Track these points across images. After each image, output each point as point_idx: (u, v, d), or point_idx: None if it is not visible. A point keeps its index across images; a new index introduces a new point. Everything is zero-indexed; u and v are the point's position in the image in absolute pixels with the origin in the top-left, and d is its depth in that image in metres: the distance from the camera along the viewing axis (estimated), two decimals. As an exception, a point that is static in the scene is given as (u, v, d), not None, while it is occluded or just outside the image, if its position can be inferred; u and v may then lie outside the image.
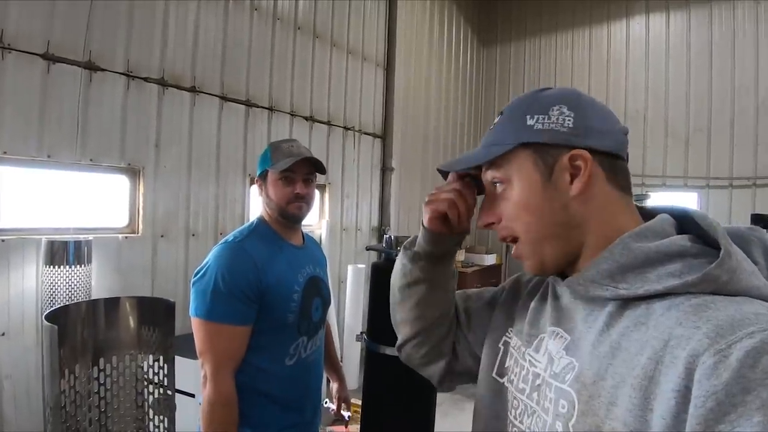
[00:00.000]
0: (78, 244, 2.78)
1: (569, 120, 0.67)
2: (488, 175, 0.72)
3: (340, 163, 5.06)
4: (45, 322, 0.89)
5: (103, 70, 3.09)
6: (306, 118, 4.62)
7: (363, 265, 4.63)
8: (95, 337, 0.93)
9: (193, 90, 3.62)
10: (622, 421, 0.54)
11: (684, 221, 0.67)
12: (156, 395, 1.13)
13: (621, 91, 6.26)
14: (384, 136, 5.67)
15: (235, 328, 1.35)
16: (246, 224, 1.57)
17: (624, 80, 6.30)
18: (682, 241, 0.62)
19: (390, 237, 1.46)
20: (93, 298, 2.87)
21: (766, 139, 5.37)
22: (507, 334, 0.81)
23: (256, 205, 4.06)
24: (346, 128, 5.12)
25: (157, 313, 1.10)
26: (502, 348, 0.81)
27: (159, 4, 3.40)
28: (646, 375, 0.53)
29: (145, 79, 3.32)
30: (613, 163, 0.68)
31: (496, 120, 0.74)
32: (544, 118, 0.68)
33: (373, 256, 5.42)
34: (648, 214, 0.69)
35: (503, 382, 0.77)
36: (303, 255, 1.61)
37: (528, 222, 0.69)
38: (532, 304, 0.79)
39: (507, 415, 0.74)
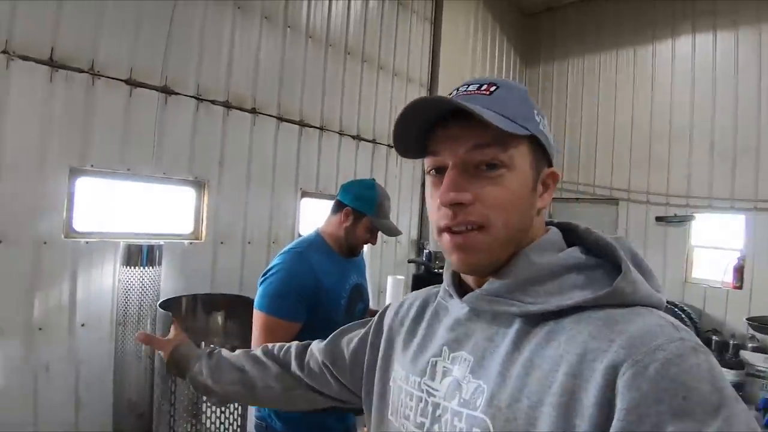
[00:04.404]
0: (151, 248, 3.14)
1: (550, 135, 0.68)
2: (487, 152, 0.61)
3: (383, 179, 5.30)
4: (160, 310, 1.16)
5: (176, 93, 3.47)
6: (353, 137, 4.92)
7: (402, 277, 4.83)
8: (194, 324, 1.17)
9: (253, 111, 3.98)
10: None
11: (567, 232, 0.69)
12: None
13: (666, 109, 6.19)
14: (426, 152, 5.87)
15: (288, 323, 1.58)
16: (305, 237, 1.83)
17: (669, 99, 6.22)
18: (576, 253, 0.63)
19: (429, 252, 1.68)
20: (160, 297, 3.21)
21: (817, 161, 5.25)
22: (392, 371, 0.76)
23: (305, 218, 4.37)
24: (390, 146, 5.37)
25: (239, 308, 1.35)
26: (391, 386, 0.75)
27: (226, 33, 3.78)
28: (565, 391, 0.52)
29: (213, 102, 3.70)
30: None
31: (491, 88, 0.64)
32: (543, 123, 0.66)
33: (412, 268, 5.62)
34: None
35: (400, 424, 0.70)
36: (349, 266, 1.86)
37: (509, 218, 0.62)
38: (419, 331, 0.75)
39: None
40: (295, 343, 1.01)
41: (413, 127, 0.64)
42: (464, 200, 0.61)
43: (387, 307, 0.88)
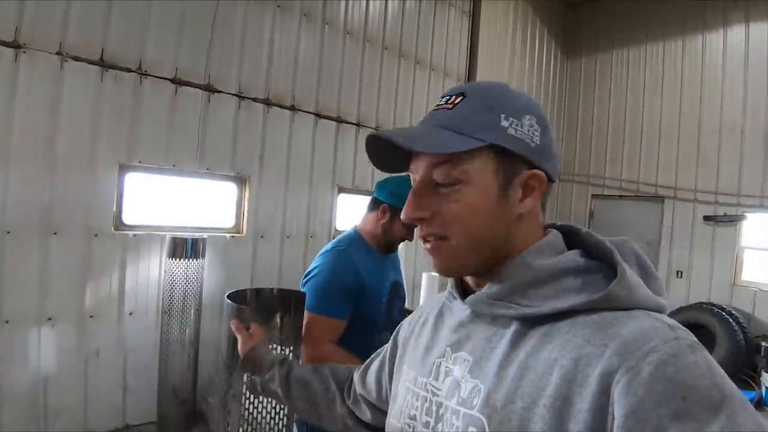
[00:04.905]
0: (195, 241, 3.24)
1: (537, 136, 0.64)
2: (441, 171, 0.63)
3: (419, 174, 5.29)
4: (227, 300, 1.21)
5: (219, 92, 3.57)
6: (389, 133, 4.92)
7: (437, 274, 4.81)
8: (253, 317, 1.21)
9: (292, 108, 4.05)
10: None
11: (569, 236, 0.68)
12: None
13: (716, 103, 5.91)
14: (463, 148, 5.83)
15: (334, 320, 1.61)
16: (344, 234, 1.84)
17: (720, 92, 5.93)
18: (575, 256, 0.63)
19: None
20: (203, 288, 3.32)
21: None
22: (402, 374, 0.77)
23: (342, 214, 4.41)
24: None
25: (292, 302, 1.39)
26: (401, 390, 0.75)
27: (266, 32, 3.86)
28: (559, 395, 0.52)
29: (254, 99, 3.78)
30: (549, 186, 0.67)
31: (457, 99, 0.65)
32: (517, 125, 0.63)
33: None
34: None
35: (404, 424, 0.71)
36: (387, 263, 1.87)
37: (470, 230, 0.63)
38: (426, 334, 0.76)
39: None
40: (355, 369, 1.03)
41: (382, 149, 0.68)
42: (422, 216, 0.65)
43: (403, 321, 0.90)
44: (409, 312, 2.09)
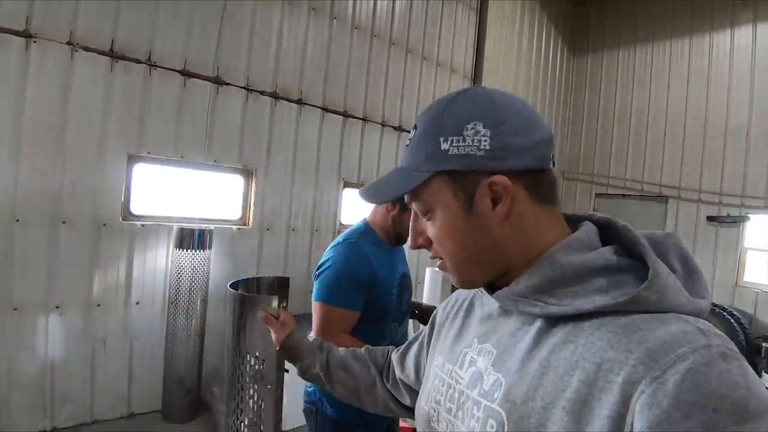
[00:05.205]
0: (202, 233, 3.27)
1: (485, 141, 0.61)
2: (415, 205, 0.69)
3: (424, 169, 5.30)
4: (229, 289, 1.25)
5: (227, 84, 3.59)
6: (395, 128, 4.95)
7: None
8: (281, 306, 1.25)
9: (299, 102, 4.07)
10: None
11: (606, 229, 0.66)
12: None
13: (722, 104, 5.90)
14: (468, 145, 5.83)
15: (346, 311, 1.63)
16: (354, 227, 1.86)
17: (726, 93, 5.91)
18: (609, 254, 0.60)
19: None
20: (210, 279, 3.35)
21: None
22: (436, 359, 0.79)
23: (347, 208, 4.43)
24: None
25: (278, 287, 1.42)
26: (431, 375, 0.77)
27: (274, 26, 3.87)
28: (578, 399, 0.51)
29: (261, 92, 3.80)
30: (536, 178, 0.64)
31: (412, 134, 0.69)
32: (458, 141, 0.62)
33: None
34: (571, 221, 0.69)
35: (430, 408, 0.73)
36: (396, 255, 1.89)
37: (453, 249, 0.67)
38: (458, 322, 0.78)
39: None
40: (392, 350, 1.05)
41: None
42: (421, 243, 0.71)
43: (439, 306, 0.91)
44: (417, 304, 2.11)
